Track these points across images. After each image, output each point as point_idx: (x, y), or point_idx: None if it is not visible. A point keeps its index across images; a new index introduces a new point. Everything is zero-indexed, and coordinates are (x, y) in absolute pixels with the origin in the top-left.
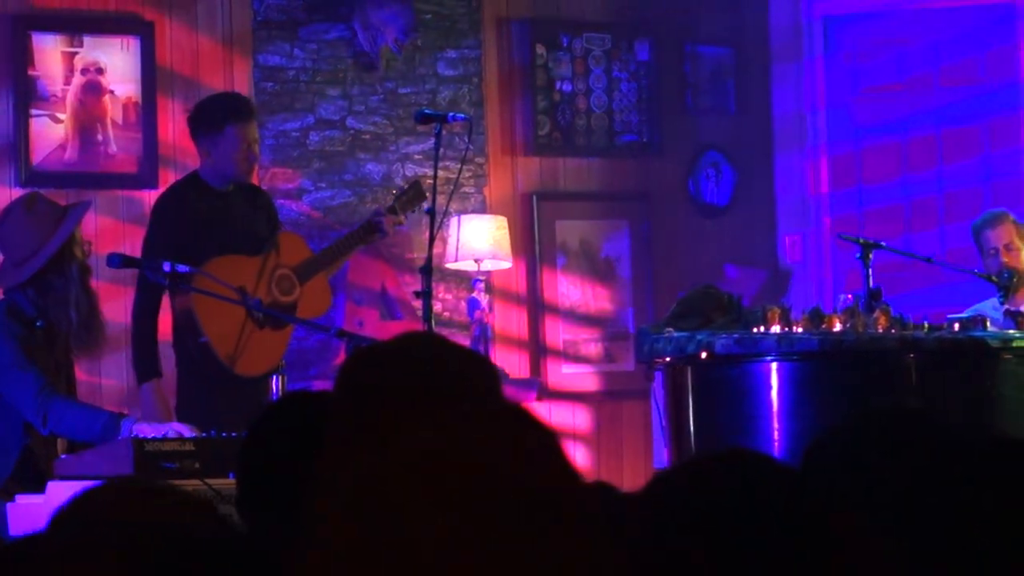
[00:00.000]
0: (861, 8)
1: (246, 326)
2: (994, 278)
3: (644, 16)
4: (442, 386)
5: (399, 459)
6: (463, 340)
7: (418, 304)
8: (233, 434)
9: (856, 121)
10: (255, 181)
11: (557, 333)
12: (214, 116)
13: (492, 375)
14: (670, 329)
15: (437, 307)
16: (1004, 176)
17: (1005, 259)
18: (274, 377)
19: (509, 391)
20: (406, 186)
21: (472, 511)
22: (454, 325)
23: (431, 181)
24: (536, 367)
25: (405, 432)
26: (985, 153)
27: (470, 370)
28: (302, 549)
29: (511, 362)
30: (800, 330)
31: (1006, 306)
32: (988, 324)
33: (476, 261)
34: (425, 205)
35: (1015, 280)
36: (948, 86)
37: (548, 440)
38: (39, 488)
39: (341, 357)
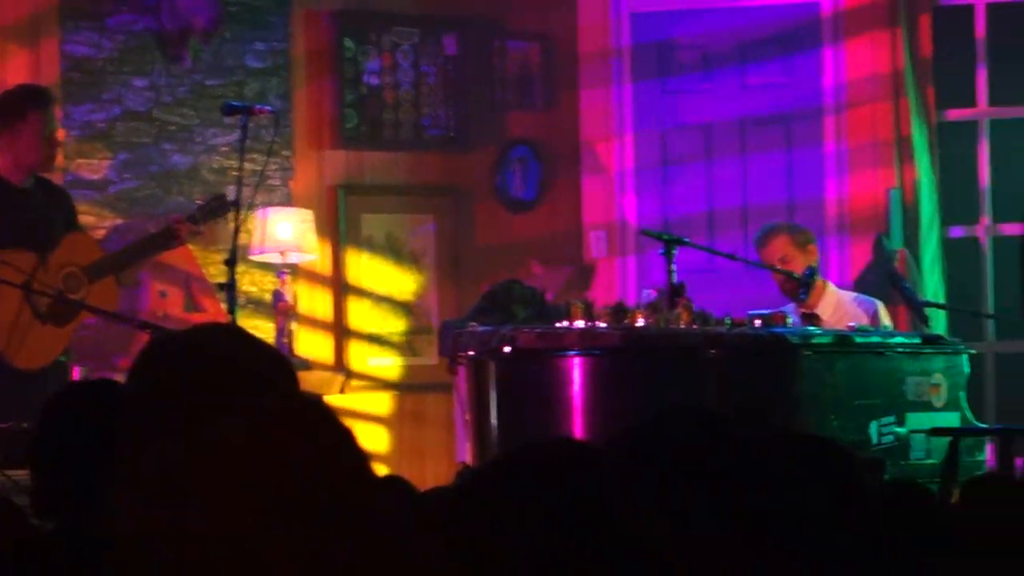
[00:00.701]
0: (668, 5)
1: (22, 318)
2: (796, 275)
3: (452, 11)
4: (235, 379)
5: (200, 451)
6: (268, 331)
7: (223, 295)
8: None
9: (663, 119)
10: (59, 169)
11: (362, 325)
12: (12, 106)
13: (286, 369)
14: (474, 323)
15: (242, 299)
16: (807, 173)
17: (781, 275)
18: (74, 367)
19: (314, 381)
20: (211, 196)
21: (272, 504)
22: (259, 317)
23: (237, 173)
24: (341, 358)
25: (206, 424)
26: (789, 150)
27: (263, 363)
28: (105, 541)
29: (316, 353)
30: (603, 325)
31: (802, 309)
32: (789, 321)
33: (281, 253)
34: (231, 196)
35: (816, 279)
36: (753, 85)
37: (344, 435)
38: None
39: None
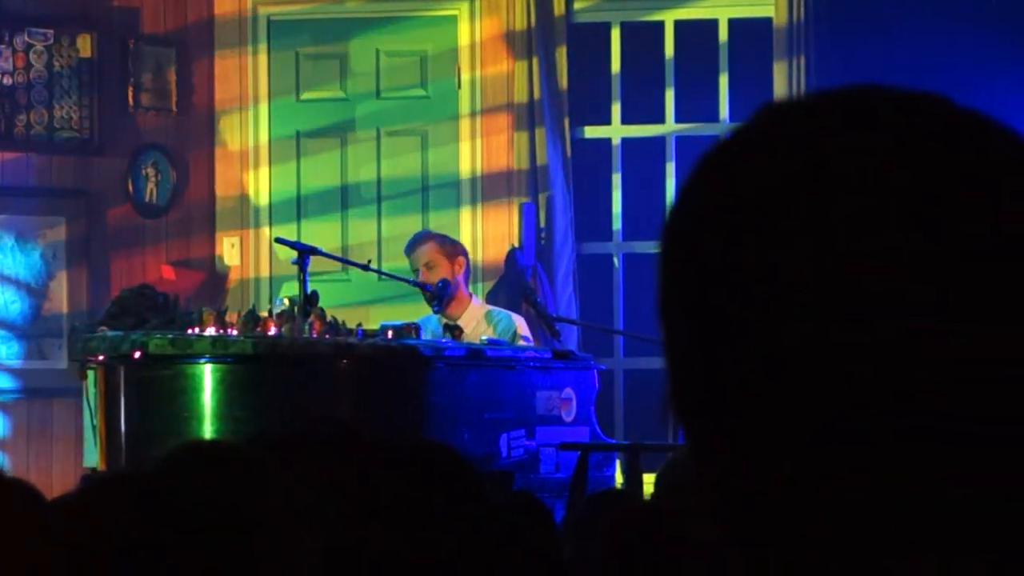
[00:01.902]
0: (305, 13)
1: None
2: (429, 287)
3: (87, 11)
4: None
5: None
6: None
7: None
8: None
9: (298, 125)
10: None
11: None
12: None
13: None
14: (104, 328)
15: None
16: (442, 187)
17: (426, 277)
18: None
19: None
20: None
21: None
22: None
23: None
24: None
25: None
26: (424, 164)
27: None
28: None
29: None
30: (235, 333)
31: (444, 321)
32: (422, 333)
33: None
34: None
35: (450, 291)
36: (389, 97)
37: None
38: None
39: None
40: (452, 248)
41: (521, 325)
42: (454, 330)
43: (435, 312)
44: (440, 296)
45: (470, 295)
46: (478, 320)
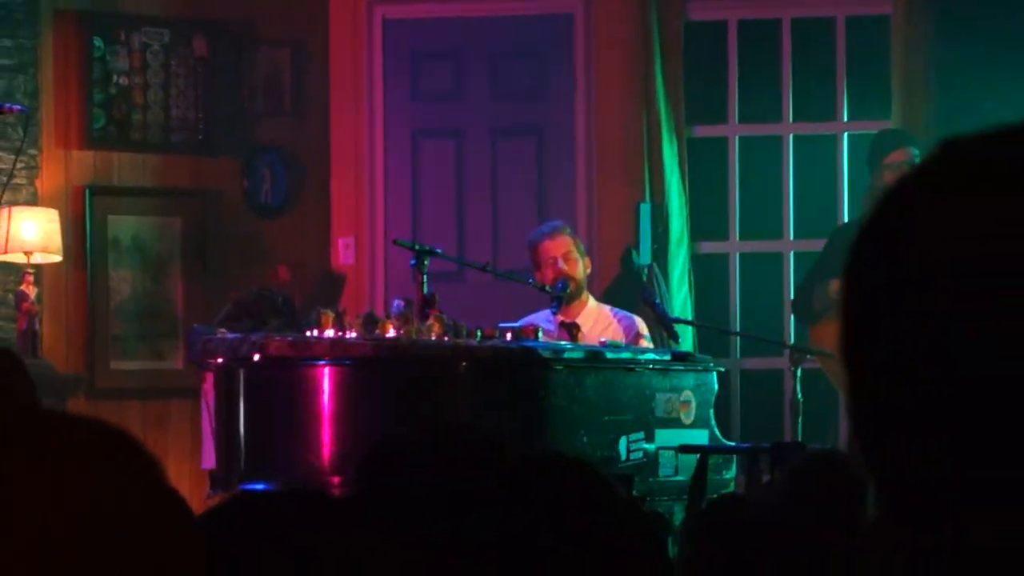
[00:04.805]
0: (420, 13)
1: None
2: (548, 288)
3: (203, 12)
4: None
5: None
6: (12, 332)
7: None
8: None
9: (413, 126)
10: None
11: (107, 328)
12: None
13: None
14: (223, 329)
15: None
16: (558, 184)
17: (564, 268)
18: None
19: (58, 384)
20: None
21: (46, 534)
22: (2, 317)
23: None
24: (86, 362)
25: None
26: (540, 160)
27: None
28: None
29: (60, 357)
30: (353, 335)
31: (560, 317)
32: (540, 334)
33: (26, 254)
34: None
35: (569, 291)
36: (503, 98)
37: (148, 465)
38: None
39: None
40: (583, 246)
41: (643, 326)
42: (571, 328)
43: (552, 313)
44: (559, 297)
45: (588, 294)
46: (595, 319)
